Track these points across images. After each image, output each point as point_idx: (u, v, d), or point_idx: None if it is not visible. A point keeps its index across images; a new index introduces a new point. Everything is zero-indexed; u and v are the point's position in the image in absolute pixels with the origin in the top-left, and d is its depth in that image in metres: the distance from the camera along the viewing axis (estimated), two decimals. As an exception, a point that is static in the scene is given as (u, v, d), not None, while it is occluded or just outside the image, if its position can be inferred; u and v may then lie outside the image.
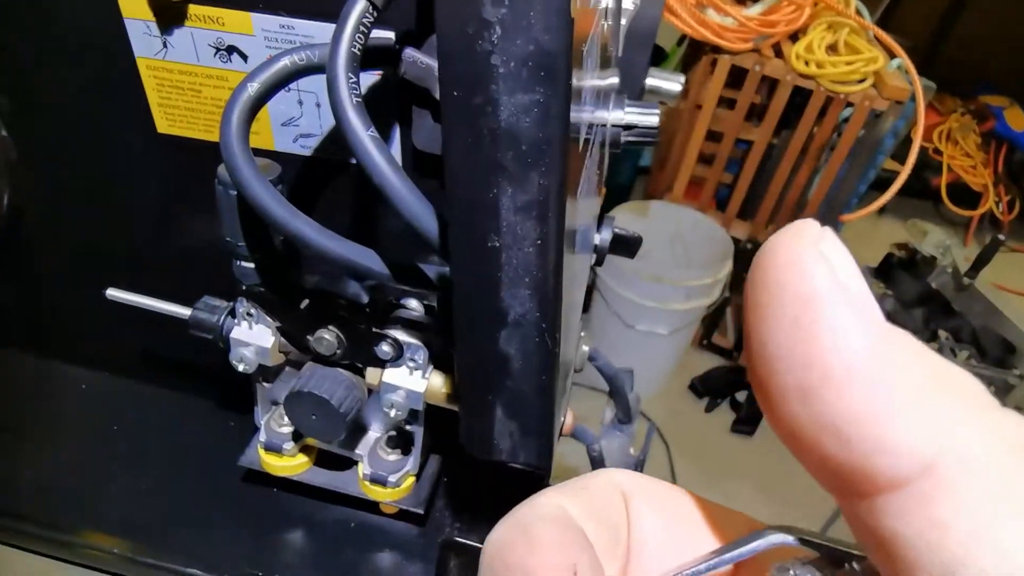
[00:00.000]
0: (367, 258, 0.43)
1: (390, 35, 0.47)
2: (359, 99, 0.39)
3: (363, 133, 0.38)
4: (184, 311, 0.58)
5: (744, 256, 2.15)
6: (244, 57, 0.51)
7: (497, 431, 0.39)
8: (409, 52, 0.45)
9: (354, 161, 0.53)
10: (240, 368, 0.57)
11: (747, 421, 2.09)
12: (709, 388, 2.17)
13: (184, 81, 0.52)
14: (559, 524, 0.22)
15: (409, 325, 0.54)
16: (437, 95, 0.46)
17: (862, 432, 0.17)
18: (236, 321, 0.56)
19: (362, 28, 0.40)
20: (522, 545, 0.21)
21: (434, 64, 0.45)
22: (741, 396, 2.16)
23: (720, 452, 2.06)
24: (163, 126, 0.55)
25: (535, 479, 0.43)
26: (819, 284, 0.17)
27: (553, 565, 0.20)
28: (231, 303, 0.57)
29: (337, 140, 0.53)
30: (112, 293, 0.58)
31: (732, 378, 2.19)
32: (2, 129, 0.57)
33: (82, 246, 0.65)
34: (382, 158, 0.38)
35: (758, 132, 2.02)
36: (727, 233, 2.04)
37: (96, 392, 0.73)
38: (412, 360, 0.54)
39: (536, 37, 0.26)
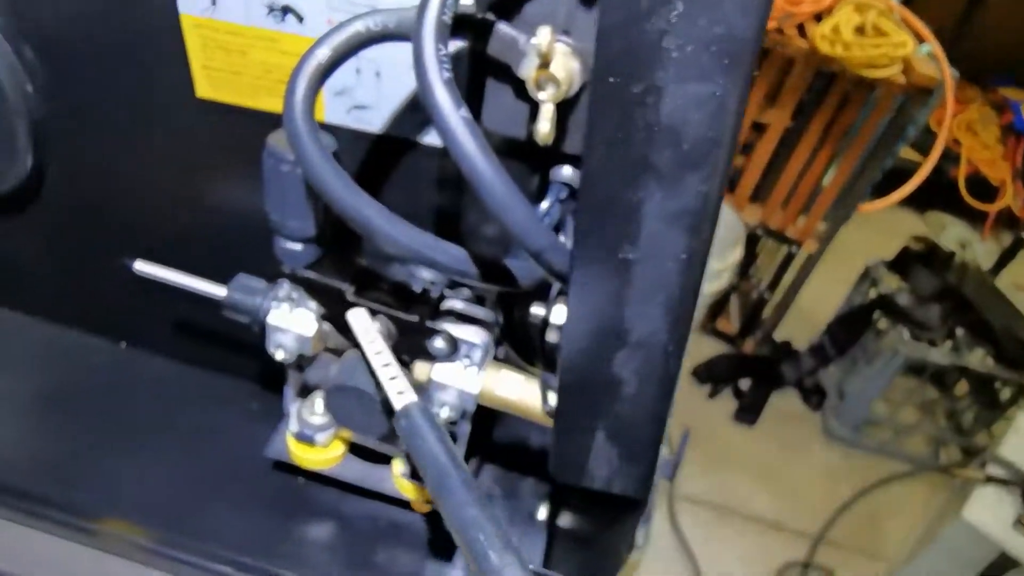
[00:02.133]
0: (446, 254, 0.39)
1: (470, 2, 0.42)
2: (450, 74, 0.35)
3: (454, 114, 0.34)
4: (218, 290, 0.53)
5: (753, 242, 2.11)
6: (300, 18, 0.46)
7: (594, 457, 0.34)
8: (501, 26, 0.40)
9: (425, 141, 0.49)
10: (278, 357, 0.52)
11: (749, 410, 2.06)
12: (712, 375, 2.14)
13: (231, 42, 0.47)
14: None
15: (465, 319, 0.50)
16: (519, 72, 0.41)
17: None
18: (276, 304, 0.52)
19: (453, -7, 0.36)
20: None
21: (521, 37, 0.41)
22: (744, 384, 2.13)
23: (721, 441, 2.03)
24: (203, 90, 0.50)
25: (618, 503, 0.39)
26: None
27: None
28: (270, 284, 0.53)
29: (398, 115, 0.48)
30: (140, 267, 0.53)
31: (735, 365, 2.16)
32: (27, 83, 0.52)
33: (107, 213, 0.60)
34: (474, 143, 0.34)
35: (774, 114, 1.97)
36: (739, 218, 1.99)
37: (112, 364, 0.69)
38: (467, 357, 0.50)
39: (727, 19, 0.22)
